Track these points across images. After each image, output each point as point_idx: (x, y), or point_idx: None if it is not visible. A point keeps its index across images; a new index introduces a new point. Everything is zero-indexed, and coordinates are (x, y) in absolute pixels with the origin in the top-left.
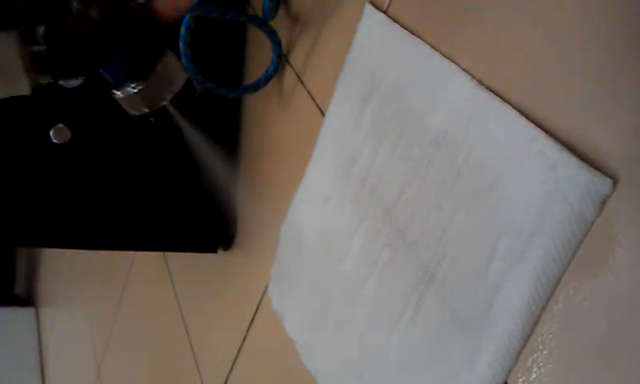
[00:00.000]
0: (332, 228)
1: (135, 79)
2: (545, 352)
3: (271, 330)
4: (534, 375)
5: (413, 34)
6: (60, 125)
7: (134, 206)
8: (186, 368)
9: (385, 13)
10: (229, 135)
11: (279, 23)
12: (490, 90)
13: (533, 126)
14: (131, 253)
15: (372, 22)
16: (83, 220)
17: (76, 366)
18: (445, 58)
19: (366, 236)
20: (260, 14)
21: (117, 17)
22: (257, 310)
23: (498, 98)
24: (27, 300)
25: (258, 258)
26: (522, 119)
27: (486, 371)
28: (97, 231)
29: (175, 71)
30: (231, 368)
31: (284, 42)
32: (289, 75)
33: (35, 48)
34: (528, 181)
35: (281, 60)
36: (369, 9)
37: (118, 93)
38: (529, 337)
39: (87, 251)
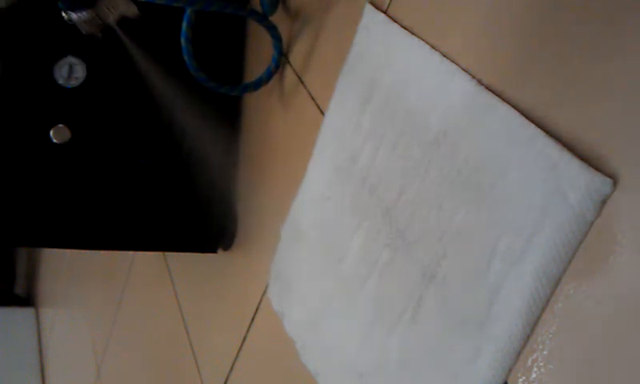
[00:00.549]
0: (332, 228)
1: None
2: (545, 352)
3: (271, 330)
4: (533, 375)
5: (413, 34)
6: (60, 125)
7: (133, 206)
8: (186, 368)
9: (385, 13)
10: (229, 134)
11: (278, 21)
12: (490, 90)
13: (533, 125)
14: (131, 253)
15: (372, 22)
16: (83, 220)
17: (76, 366)
18: (445, 58)
19: (365, 236)
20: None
21: None
22: (257, 309)
23: (497, 98)
24: (27, 300)
25: (258, 257)
26: (522, 119)
27: (486, 371)
28: (97, 231)
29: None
30: (231, 368)
31: (284, 40)
32: (288, 74)
33: None
34: (528, 181)
35: (282, 56)
36: (369, 9)
37: (72, 15)
38: (529, 337)
39: (87, 251)
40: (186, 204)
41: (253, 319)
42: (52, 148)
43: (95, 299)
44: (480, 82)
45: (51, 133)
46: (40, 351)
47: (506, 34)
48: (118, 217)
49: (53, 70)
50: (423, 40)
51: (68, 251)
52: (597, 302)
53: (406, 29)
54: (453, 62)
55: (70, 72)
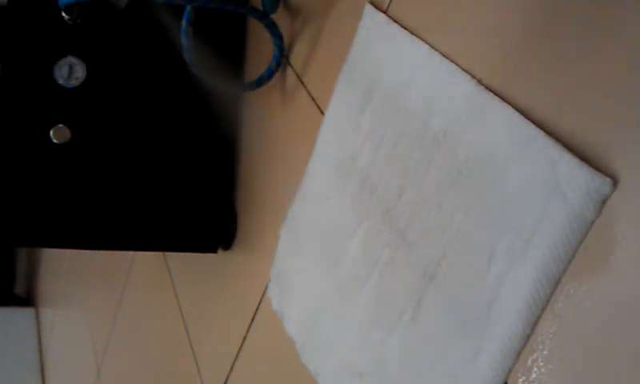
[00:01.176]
0: (332, 228)
1: None
2: (545, 352)
3: (271, 330)
4: (534, 375)
5: (413, 33)
6: (60, 125)
7: (133, 206)
8: (186, 368)
9: (385, 13)
10: (229, 134)
11: (277, 20)
12: (490, 90)
13: (533, 125)
14: (131, 253)
15: (372, 22)
16: (83, 220)
17: (76, 366)
18: (445, 58)
19: (365, 236)
20: (260, 8)
21: None
22: (257, 309)
23: (497, 98)
24: (27, 300)
25: (258, 257)
26: (522, 119)
27: (486, 371)
28: (97, 231)
29: None
30: (231, 368)
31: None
32: (288, 74)
33: None
34: (528, 181)
35: (283, 54)
36: (369, 9)
37: None
38: (529, 337)
39: (87, 251)
40: (186, 204)
41: (253, 319)
42: (52, 148)
43: (95, 299)
44: (480, 82)
45: (51, 133)
46: (40, 351)
47: (506, 34)
48: (118, 217)
49: (53, 69)
50: (423, 40)
51: (68, 251)
52: (597, 301)
53: (406, 29)
54: (453, 61)
55: (70, 72)
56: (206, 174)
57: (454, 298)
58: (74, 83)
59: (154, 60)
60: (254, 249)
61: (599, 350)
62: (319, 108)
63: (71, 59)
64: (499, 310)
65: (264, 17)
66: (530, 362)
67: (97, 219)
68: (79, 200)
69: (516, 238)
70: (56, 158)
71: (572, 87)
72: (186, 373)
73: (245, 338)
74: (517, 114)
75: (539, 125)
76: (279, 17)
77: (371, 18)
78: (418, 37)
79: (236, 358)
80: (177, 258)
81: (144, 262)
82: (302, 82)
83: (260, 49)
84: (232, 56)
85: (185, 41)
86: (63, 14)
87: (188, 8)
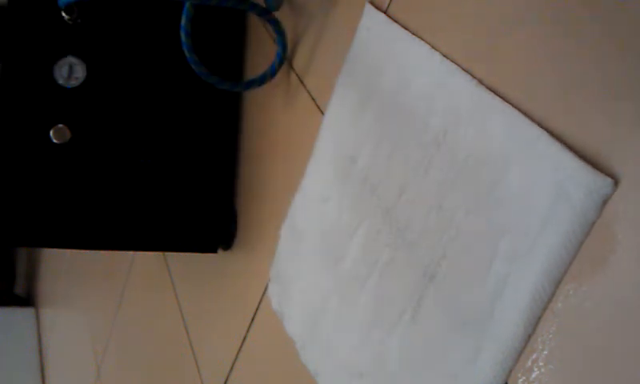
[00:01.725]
0: (332, 228)
1: None
2: (545, 352)
3: (271, 330)
4: (534, 375)
5: (413, 33)
6: (60, 125)
7: (133, 206)
8: (186, 368)
9: (385, 13)
10: (229, 134)
11: (282, 19)
12: (491, 90)
13: (535, 125)
14: (131, 253)
15: (372, 22)
16: (83, 220)
17: (76, 366)
18: (445, 58)
19: (365, 236)
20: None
21: None
22: (257, 309)
23: (498, 98)
24: (27, 300)
25: (258, 257)
26: (524, 119)
27: (487, 371)
28: (97, 231)
29: None
30: (231, 368)
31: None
32: (288, 74)
33: None
34: (530, 181)
35: (286, 51)
36: (369, 9)
37: None
38: (530, 337)
39: (87, 251)
40: (186, 204)
41: (253, 319)
42: (52, 148)
43: (95, 299)
44: (481, 82)
45: (51, 133)
46: (40, 351)
47: (506, 34)
48: (118, 217)
49: (53, 69)
50: (423, 40)
51: (68, 251)
52: (597, 301)
53: (406, 29)
54: (453, 61)
55: (70, 72)
56: (205, 173)
57: (454, 298)
58: (73, 83)
59: (154, 60)
60: (254, 249)
61: (599, 350)
62: (319, 108)
63: (71, 59)
64: (500, 310)
65: (265, 13)
66: (530, 362)
67: (97, 219)
68: (79, 200)
69: (518, 239)
70: (56, 158)
71: (572, 87)
72: (186, 373)
73: (245, 338)
74: (518, 114)
75: (540, 125)
76: (278, 15)
77: (371, 18)
78: (418, 37)
79: (236, 358)
80: (177, 258)
81: (144, 262)
82: (302, 82)
83: (259, 49)
84: (232, 56)
85: (184, 38)
86: (63, 14)
87: (187, 5)
